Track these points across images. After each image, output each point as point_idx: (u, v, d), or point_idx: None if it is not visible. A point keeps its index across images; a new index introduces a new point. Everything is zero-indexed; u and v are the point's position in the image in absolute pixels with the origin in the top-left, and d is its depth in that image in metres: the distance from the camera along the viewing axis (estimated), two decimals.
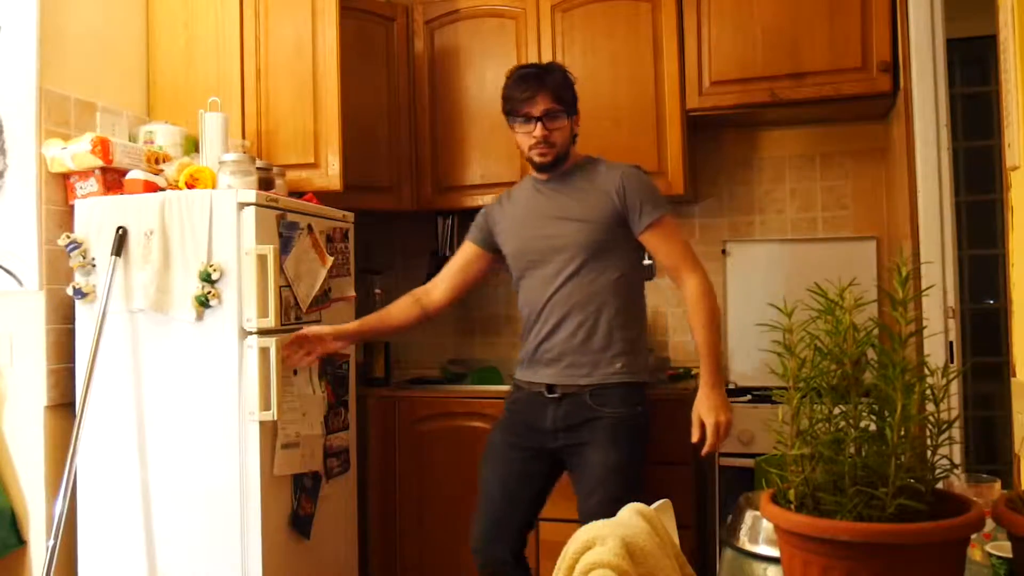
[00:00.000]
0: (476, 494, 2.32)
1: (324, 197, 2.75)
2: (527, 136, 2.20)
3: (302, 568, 2.51)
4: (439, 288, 2.41)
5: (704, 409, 2.13)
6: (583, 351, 2.18)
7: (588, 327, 2.18)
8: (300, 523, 2.47)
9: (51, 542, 2.21)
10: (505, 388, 2.50)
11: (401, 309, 2.40)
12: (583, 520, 2.05)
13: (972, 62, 3.35)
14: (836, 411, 0.90)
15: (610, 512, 2.09)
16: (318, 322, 2.57)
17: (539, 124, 2.16)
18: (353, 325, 2.43)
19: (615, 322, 2.18)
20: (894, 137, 2.85)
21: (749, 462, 2.56)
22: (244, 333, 2.30)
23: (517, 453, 2.26)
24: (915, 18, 2.42)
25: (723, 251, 3.26)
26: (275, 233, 2.37)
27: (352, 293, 2.79)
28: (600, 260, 2.19)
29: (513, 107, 2.20)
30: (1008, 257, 1.69)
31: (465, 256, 2.41)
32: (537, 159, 2.22)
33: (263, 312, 2.30)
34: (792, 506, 0.89)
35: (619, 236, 2.21)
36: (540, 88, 2.17)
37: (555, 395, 2.21)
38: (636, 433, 2.18)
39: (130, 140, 2.64)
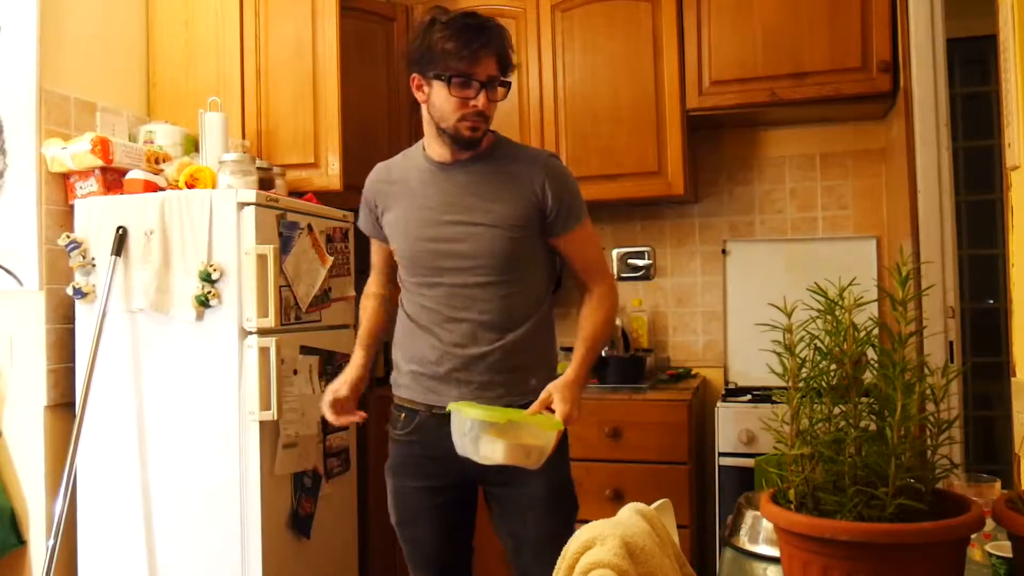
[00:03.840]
0: None
1: (324, 197, 2.75)
2: (460, 103, 1.76)
3: (302, 568, 2.51)
4: (386, 282, 2.14)
5: (561, 396, 1.75)
6: None
7: None
8: (300, 523, 2.48)
9: (51, 542, 2.21)
10: None
11: (379, 313, 2.13)
12: None
13: (972, 62, 3.35)
14: (836, 411, 0.90)
15: None
16: (319, 324, 2.57)
17: (483, 92, 1.76)
18: (358, 360, 2.11)
19: None
20: (894, 137, 2.85)
21: (749, 462, 2.56)
22: (244, 333, 2.31)
23: None
24: (915, 18, 2.42)
25: (723, 251, 3.26)
26: (275, 233, 2.37)
27: (352, 293, 2.79)
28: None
29: (449, 63, 1.74)
30: (1008, 257, 1.69)
31: (382, 254, 2.09)
32: (468, 134, 1.79)
33: (263, 312, 2.30)
34: (792, 506, 0.89)
35: (534, 242, 1.89)
36: (489, 46, 1.75)
37: None
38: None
39: (130, 140, 2.65)
